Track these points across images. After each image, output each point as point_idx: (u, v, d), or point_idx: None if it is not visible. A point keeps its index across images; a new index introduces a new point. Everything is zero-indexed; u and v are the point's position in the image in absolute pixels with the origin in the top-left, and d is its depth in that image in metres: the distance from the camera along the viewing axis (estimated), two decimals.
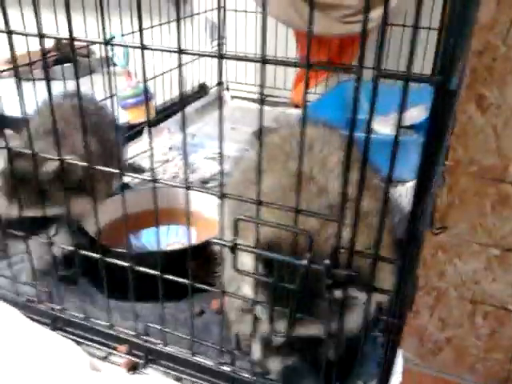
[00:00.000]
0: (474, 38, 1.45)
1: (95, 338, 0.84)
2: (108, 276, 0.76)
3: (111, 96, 0.58)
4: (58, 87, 1.07)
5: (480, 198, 1.88)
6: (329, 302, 0.58)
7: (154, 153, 1.50)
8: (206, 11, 1.82)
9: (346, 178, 0.50)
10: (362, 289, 0.57)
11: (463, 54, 0.44)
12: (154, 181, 0.63)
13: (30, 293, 0.88)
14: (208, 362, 0.76)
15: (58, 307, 0.85)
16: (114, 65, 1.48)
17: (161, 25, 1.43)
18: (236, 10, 1.87)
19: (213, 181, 1.38)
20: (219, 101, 0.55)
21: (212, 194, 0.61)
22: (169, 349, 0.78)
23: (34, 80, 0.82)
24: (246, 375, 0.73)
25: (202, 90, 1.96)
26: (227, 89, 1.99)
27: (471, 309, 2.10)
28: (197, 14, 1.79)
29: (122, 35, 1.21)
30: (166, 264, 0.72)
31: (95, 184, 0.70)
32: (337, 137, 0.78)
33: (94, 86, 1.21)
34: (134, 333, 0.80)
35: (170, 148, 1.54)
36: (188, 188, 0.61)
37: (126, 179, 1.27)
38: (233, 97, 1.97)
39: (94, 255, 0.75)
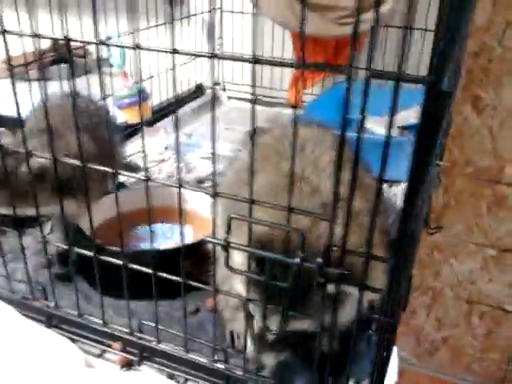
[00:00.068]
0: (470, 39, 1.45)
1: (90, 335, 0.85)
2: (103, 274, 0.77)
3: (104, 97, 0.58)
4: (54, 87, 1.07)
5: (476, 198, 1.89)
6: (321, 297, 0.59)
7: (150, 152, 1.50)
8: (202, 12, 1.83)
9: (337, 177, 0.51)
10: (354, 286, 0.58)
11: (455, 54, 0.45)
12: (147, 180, 0.63)
13: (25, 290, 0.88)
14: (202, 360, 0.77)
15: (53, 305, 0.86)
16: (111, 65, 1.48)
17: (157, 26, 1.44)
18: (232, 12, 1.88)
19: (208, 180, 1.39)
20: (212, 100, 0.55)
21: (205, 192, 0.62)
22: (163, 346, 0.79)
23: (29, 80, 0.82)
24: (240, 373, 0.74)
25: (199, 90, 1.97)
26: (224, 89, 1.99)
27: (467, 309, 2.10)
28: (193, 15, 1.80)
29: (119, 36, 1.21)
30: (160, 262, 0.73)
31: (89, 183, 0.70)
32: (329, 136, 0.79)
33: (90, 87, 1.22)
34: (128, 330, 0.80)
35: (166, 148, 1.54)
36: (180, 187, 0.62)
37: (122, 178, 1.28)
38: (229, 97, 1.98)
39: (88, 253, 0.75)
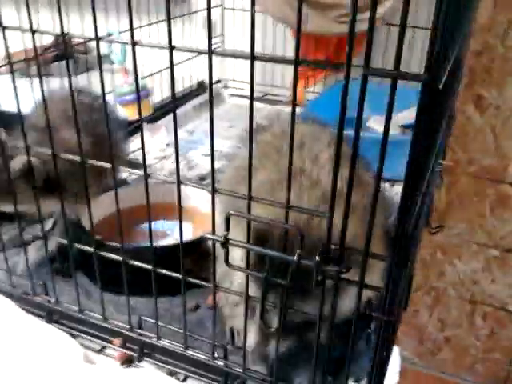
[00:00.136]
0: (473, 38, 1.45)
1: (90, 330, 0.85)
2: (103, 270, 0.77)
3: (104, 94, 0.58)
4: (56, 84, 1.08)
5: (479, 198, 1.89)
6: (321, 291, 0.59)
7: (152, 149, 1.50)
8: (204, 9, 1.83)
9: (335, 173, 0.51)
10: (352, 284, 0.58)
11: (451, 52, 0.45)
12: (146, 176, 0.63)
13: (26, 285, 0.88)
14: (201, 357, 0.77)
15: (54, 300, 0.86)
16: (112, 62, 1.49)
17: (158, 22, 1.44)
18: (234, 9, 1.88)
19: (211, 178, 1.39)
20: (210, 97, 0.55)
21: (203, 188, 0.62)
22: (163, 342, 0.79)
23: (30, 76, 0.82)
24: (239, 370, 0.74)
25: (201, 87, 1.97)
26: (225, 87, 2.00)
27: (470, 309, 2.10)
28: (195, 12, 1.80)
29: (120, 32, 1.22)
30: (160, 259, 0.73)
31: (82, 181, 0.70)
32: (327, 134, 0.79)
33: (92, 83, 1.23)
34: (127, 326, 0.81)
35: (168, 145, 1.55)
36: (179, 183, 0.62)
37: (124, 175, 1.28)
38: (231, 95, 1.98)
39: (88, 249, 0.75)
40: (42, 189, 0.83)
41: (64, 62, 0.60)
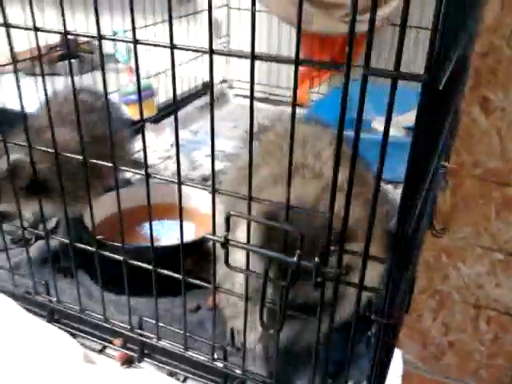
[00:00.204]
0: (479, 39, 1.44)
1: (91, 330, 0.85)
2: (105, 270, 0.77)
3: (106, 92, 0.58)
4: (61, 83, 1.08)
5: (484, 201, 1.87)
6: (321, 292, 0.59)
7: (157, 149, 1.51)
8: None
9: (335, 173, 0.50)
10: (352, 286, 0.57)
11: (453, 52, 0.44)
12: (147, 176, 0.63)
13: (28, 284, 0.89)
14: (201, 358, 0.77)
15: (55, 299, 0.86)
16: (117, 61, 1.49)
17: (164, 22, 1.44)
18: (240, 9, 1.88)
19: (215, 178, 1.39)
20: (211, 98, 0.55)
21: (203, 189, 0.62)
22: (163, 343, 0.79)
23: (35, 75, 0.82)
24: (238, 371, 0.74)
25: (206, 87, 1.97)
26: (230, 87, 2.00)
27: (474, 313, 2.09)
28: (200, 11, 1.80)
29: (125, 31, 1.22)
30: (161, 259, 0.73)
31: (73, 181, 0.69)
32: (329, 134, 0.79)
33: (96, 83, 1.23)
34: (128, 326, 0.80)
35: (172, 145, 1.55)
36: (180, 183, 0.62)
37: (128, 175, 1.28)
38: (235, 95, 1.98)
39: (90, 248, 0.75)
40: (30, 189, 0.83)
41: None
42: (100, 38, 0.53)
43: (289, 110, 0.57)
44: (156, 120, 1.66)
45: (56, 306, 0.86)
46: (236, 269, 0.64)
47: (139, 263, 0.72)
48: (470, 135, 1.76)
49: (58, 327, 0.84)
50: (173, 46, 0.50)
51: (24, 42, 0.86)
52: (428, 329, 2.19)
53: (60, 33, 0.54)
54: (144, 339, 0.80)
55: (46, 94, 0.66)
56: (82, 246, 0.77)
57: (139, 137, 1.49)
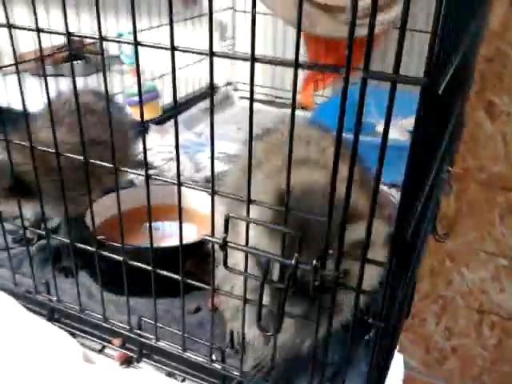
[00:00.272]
0: (484, 44, 1.43)
1: (91, 330, 0.85)
2: (106, 270, 0.77)
3: (107, 93, 0.59)
4: (65, 84, 1.08)
5: (489, 206, 1.87)
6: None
7: (161, 151, 1.51)
8: (215, 12, 1.84)
9: (334, 174, 0.50)
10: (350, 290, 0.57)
11: (454, 56, 0.44)
12: (147, 177, 0.63)
13: (29, 283, 0.89)
14: (199, 359, 0.77)
15: (55, 299, 0.86)
16: (122, 62, 1.50)
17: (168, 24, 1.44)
18: (245, 12, 1.89)
19: (218, 180, 1.39)
20: (211, 100, 0.55)
21: (203, 190, 0.62)
22: (162, 344, 0.79)
23: (40, 76, 0.83)
24: (236, 373, 0.74)
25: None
26: (235, 89, 2.00)
27: (478, 318, 2.08)
28: (205, 14, 1.80)
29: (129, 33, 1.23)
30: (162, 260, 0.73)
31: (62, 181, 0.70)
32: (330, 138, 0.79)
33: (101, 84, 1.24)
34: (127, 327, 0.81)
35: None
36: (180, 185, 0.62)
37: (131, 176, 1.29)
38: (241, 97, 1.98)
39: (90, 248, 0.76)
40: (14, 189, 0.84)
41: (75, 62, 0.61)
42: (101, 39, 0.53)
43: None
44: (160, 121, 1.66)
45: (56, 306, 0.87)
46: (234, 271, 0.64)
47: (138, 264, 0.73)
48: (474, 140, 1.76)
49: (58, 326, 0.84)
50: (173, 48, 0.50)
51: (30, 43, 0.87)
52: (431, 333, 2.19)
53: (63, 34, 0.54)
54: (143, 340, 0.80)
55: (47, 95, 0.66)
56: (82, 246, 0.77)
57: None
